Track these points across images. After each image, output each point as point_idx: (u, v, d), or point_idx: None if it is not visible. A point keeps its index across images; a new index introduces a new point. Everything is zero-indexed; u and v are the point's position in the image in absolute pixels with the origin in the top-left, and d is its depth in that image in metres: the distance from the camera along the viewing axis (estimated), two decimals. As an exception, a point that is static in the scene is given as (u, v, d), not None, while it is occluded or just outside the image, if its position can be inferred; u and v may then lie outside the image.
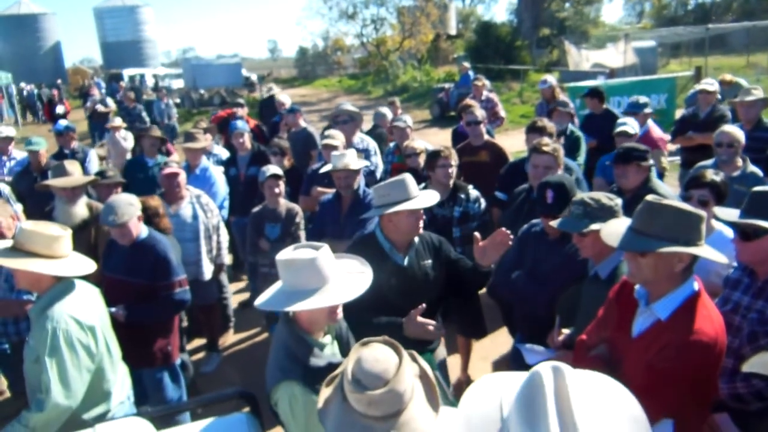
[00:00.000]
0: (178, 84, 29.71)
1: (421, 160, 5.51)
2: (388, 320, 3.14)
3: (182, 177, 5.33)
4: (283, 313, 2.51)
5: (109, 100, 15.44)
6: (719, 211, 2.90)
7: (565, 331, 3.05)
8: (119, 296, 3.99)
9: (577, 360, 2.71)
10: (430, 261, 3.38)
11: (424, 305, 3.12)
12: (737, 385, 2.59)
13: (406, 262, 3.32)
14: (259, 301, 2.45)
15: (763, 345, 2.57)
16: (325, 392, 1.87)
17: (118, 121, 9.59)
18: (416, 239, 3.38)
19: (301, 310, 2.38)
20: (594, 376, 1.54)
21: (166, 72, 34.52)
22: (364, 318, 3.03)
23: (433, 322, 3.14)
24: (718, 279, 3.06)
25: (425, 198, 3.25)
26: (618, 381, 2.32)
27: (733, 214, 2.75)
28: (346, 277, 2.49)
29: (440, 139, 12.77)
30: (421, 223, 3.31)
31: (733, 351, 2.65)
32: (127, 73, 31.25)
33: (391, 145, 6.77)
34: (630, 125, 5.84)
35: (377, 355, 1.76)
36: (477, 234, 3.26)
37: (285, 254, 2.43)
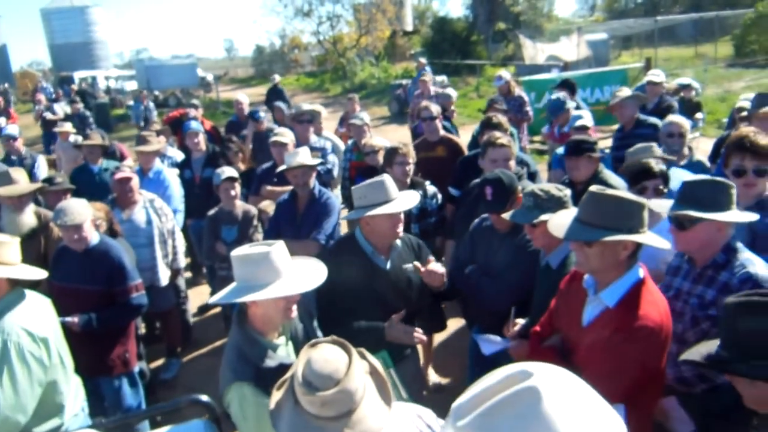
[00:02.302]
0: (132, 86, 29.07)
1: (380, 157, 5.52)
2: (368, 325, 3.08)
3: (135, 181, 5.21)
4: (236, 314, 2.49)
5: (57, 106, 15.01)
6: (654, 203, 2.97)
7: (520, 321, 3.09)
8: (72, 305, 3.90)
9: (532, 351, 2.76)
10: (411, 265, 3.34)
11: (404, 311, 3.11)
12: (682, 368, 2.66)
13: (388, 265, 3.27)
14: (214, 299, 2.48)
15: (704, 329, 2.65)
16: (277, 395, 1.86)
17: (67, 127, 9.32)
18: (398, 242, 3.33)
19: (253, 301, 2.36)
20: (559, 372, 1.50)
21: (118, 74, 33.83)
22: (343, 322, 3.01)
23: (415, 328, 3.10)
24: (665, 266, 3.14)
25: (403, 201, 3.19)
26: (571, 370, 2.39)
27: (665, 205, 2.82)
28: (300, 272, 2.48)
29: (399, 135, 12.81)
30: (401, 227, 3.24)
31: (677, 336, 2.71)
32: (77, 75, 30.51)
33: (349, 142, 6.76)
34: (586, 118, 5.97)
35: (326, 355, 1.76)
36: (417, 264, 3.30)
37: (239, 250, 2.43)
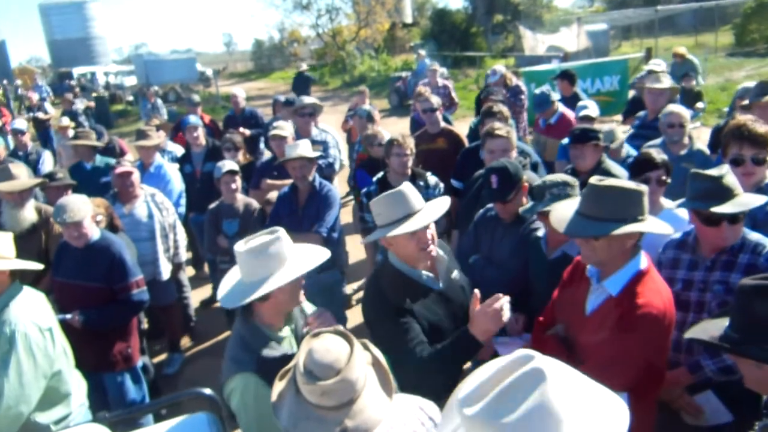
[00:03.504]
0: (131, 81, 29.03)
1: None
2: (452, 341, 2.55)
3: (135, 176, 5.21)
4: (241, 308, 2.44)
5: (48, 105, 14.94)
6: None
7: (519, 316, 3.07)
8: (74, 301, 3.91)
9: (535, 340, 2.75)
10: (456, 271, 2.93)
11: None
12: (724, 357, 2.63)
13: (441, 284, 2.77)
14: (220, 295, 2.40)
15: (726, 309, 2.64)
16: (279, 386, 1.87)
17: (65, 122, 9.30)
18: (440, 252, 2.82)
19: (265, 294, 2.29)
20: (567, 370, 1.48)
21: (117, 69, 33.76)
22: (427, 354, 2.55)
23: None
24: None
25: (427, 213, 2.63)
26: (574, 358, 2.38)
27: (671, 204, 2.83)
28: (303, 254, 2.44)
29: (399, 128, 12.77)
30: (432, 244, 2.67)
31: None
32: (76, 71, 30.45)
33: (338, 138, 6.79)
34: (591, 108, 5.96)
35: (328, 345, 1.76)
36: (477, 292, 2.57)
37: (240, 246, 2.37)
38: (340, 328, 1.87)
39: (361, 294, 6.71)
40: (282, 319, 2.50)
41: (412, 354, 2.51)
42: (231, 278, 2.47)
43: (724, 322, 1.86)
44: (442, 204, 2.71)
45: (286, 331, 2.52)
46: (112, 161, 6.45)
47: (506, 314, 2.45)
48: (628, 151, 4.93)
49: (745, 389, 1.88)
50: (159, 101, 14.07)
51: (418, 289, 2.67)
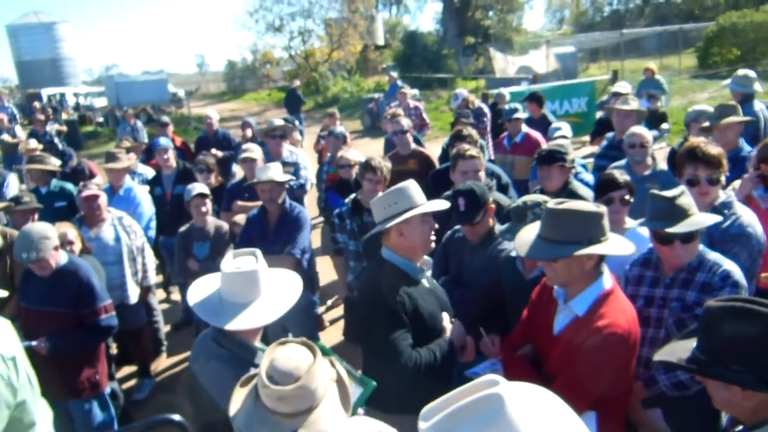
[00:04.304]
0: (101, 102, 28.70)
1: (354, 171, 5.55)
2: (440, 348, 2.79)
3: (102, 199, 5.16)
4: (215, 330, 2.49)
5: (18, 128, 14.62)
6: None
7: (494, 337, 3.09)
8: (40, 327, 3.85)
9: (505, 361, 2.78)
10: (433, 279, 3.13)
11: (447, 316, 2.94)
12: (677, 372, 2.70)
13: (428, 282, 2.97)
14: (194, 301, 2.48)
15: (693, 330, 2.71)
16: (242, 391, 1.91)
17: (32, 144, 9.15)
18: (428, 258, 3.03)
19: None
20: (535, 391, 1.49)
21: (88, 90, 33.34)
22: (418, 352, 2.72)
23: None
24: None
25: (435, 203, 2.86)
26: (543, 378, 2.41)
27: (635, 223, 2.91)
28: (282, 282, 2.57)
29: (372, 149, 12.85)
30: (434, 236, 2.89)
31: (661, 342, 2.76)
32: (45, 92, 30.01)
33: (329, 155, 6.81)
34: (564, 129, 6.09)
35: (291, 354, 1.82)
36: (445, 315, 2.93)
37: (228, 265, 2.46)
38: (307, 340, 1.91)
39: (333, 314, 6.72)
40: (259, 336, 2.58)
41: (403, 357, 2.65)
42: (205, 287, 2.53)
43: (692, 344, 1.88)
44: (443, 202, 2.90)
45: (259, 342, 2.56)
46: (68, 185, 6.39)
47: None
48: (577, 168, 5.04)
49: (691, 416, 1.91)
50: (139, 123, 13.65)
51: (414, 284, 2.82)
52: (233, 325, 2.37)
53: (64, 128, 14.56)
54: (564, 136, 5.84)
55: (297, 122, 14.76)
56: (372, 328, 2.80)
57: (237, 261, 2.50)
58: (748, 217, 3.35)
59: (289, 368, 1.77)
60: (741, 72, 6.28)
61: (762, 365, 1.71)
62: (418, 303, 2.76)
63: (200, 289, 2.53)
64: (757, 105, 6.01)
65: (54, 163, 6.74)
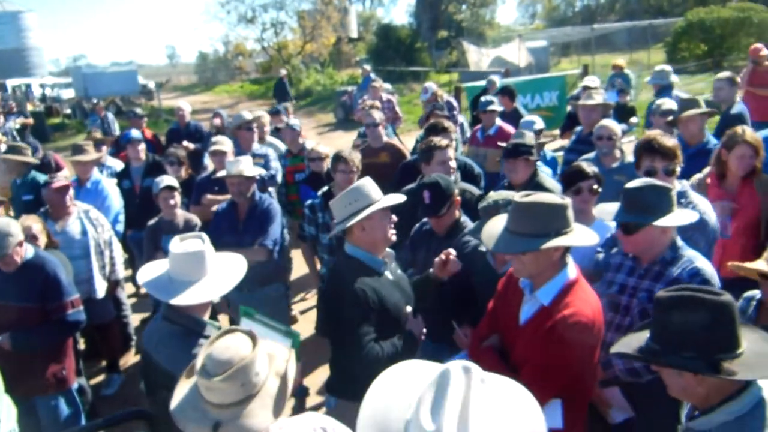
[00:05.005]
0: (69, 94, 28.11)
1: (325, 164, 5.54)
2: (403, 341, 2.90)
3: (70, 192, 5.07)
4: (166, 308, 2.72)
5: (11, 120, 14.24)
6: (601, 209, 3.09)
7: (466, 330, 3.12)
8: (4, 322, 3.76)
9: (472, 352, 2.81)
10: (399, 270, 3.20)
11: (410, 309, 3.03)
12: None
13: (392, 274, 3.05)
14: (144, 280, 2.72)
15: (648, 322, 2.77)
16: (186, 382, 1.92)
17: (-3, 137, 8.96)
18: (390, 251, 3.12)
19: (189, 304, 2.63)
20: (503, 381, 1.56)
21: (54, 81, 32.62)
22: (380, 344, 2.83)
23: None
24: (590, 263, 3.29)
25: (393, 197, 3.01)
26: (509, 368, 2.45)
27: (611, 210, 2.95)
28: (223, 269, 2.78)
29: (345, 142, 12.82)
30: (393, 229, 3.02)
31: (625, 329, 2.84)
32: (10, 83, 29.27)
33: (283, 149, 6.77)
34: (538, 123, 6.15)
35: (229, 343, 1.81)
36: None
37: (176, 246, 2.70)
38: (253, 332, 1.91)
39: (304, 306, 6.72)
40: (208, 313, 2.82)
41: (365, 349, 2.76)
42: (156, 268, 2.77)
43: (646, 335, 1.93)
44: (400, 196, 3.04)
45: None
46: (38, 177, 6.27)
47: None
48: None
49: (645, 390, 1.96)
50: (110, 115, 13.31)
51: (378, 276, 2.93)
52: (181, 300, 2.59)
53: (30, 121, 14.16)
54: (541, 130, 5.90)
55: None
56: (337, 321, 2.91)
57: (184, 243, 2.74)
58: (703, 205, 3.46)
59: (222, 359, 1.76)
60: (658, 67, 7.66)
61: (711, 350, 1.77)
62: (382, 295, 2.85)
63: (151, 270, 2.77)
64: (674, 94, 6.94)
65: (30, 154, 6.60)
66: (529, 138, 5.20)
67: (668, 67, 7.46)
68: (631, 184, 2.87)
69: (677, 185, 3.50)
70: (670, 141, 3.55)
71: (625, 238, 2.90)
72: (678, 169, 3.55)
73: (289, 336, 2.45)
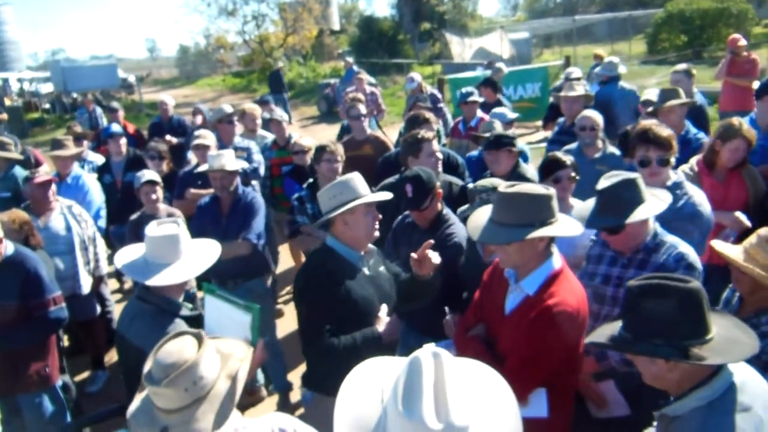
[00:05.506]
0: (48, 88, 27.73)
1: (308, 157, 5.52)
2: (363, 335, 2.82)
3: (53, 186, 5.02)
4: (140, 289, 2.87)
5: None
6: (578, 211, 3.08)
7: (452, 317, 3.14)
8: (-16, 320, 3.70)
9: (457, 341, 2.83)
10: (383, 267, 3.13)
11: (385, 306, 2.96)
12: None
13: (367, 271, 2.98)
14: (122, 263, 2.85)
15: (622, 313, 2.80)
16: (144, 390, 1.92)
17: (-24, 131, 8.83)
18: (373, 246, 3.07)
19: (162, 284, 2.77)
20: (471, 363, 1.62)
21: (33, 75, 32.17)
22: (337, 337, 2.79)
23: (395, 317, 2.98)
24: (583, 251, 3.29)
25: (380, 194, 3.00)
26: (495, 357, 2.48)
27: (586, 208, 2.97)
28: (197, 252, 2.93)
29: (328, 134, 12.79)
30: (377, 226, 2.99)
31: (613, 319, 2.83)
32: (-13, 77, 28.84)
33: (268, 141, 6.73)
34: (508, 113, 6.18)
35: (173, 348, 1.81)
36: (413, 254, 3.00)
37: (152, 230, 2.84)
38: (203, 332, 1.90)
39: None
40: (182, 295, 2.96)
41: (320, 339, 2.78)
42: (132, 252, 2.91)
43: (619, 324, 1.96)
44: (387, 193, 3.05)
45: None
46: (17, 173, 6.19)
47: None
48: None
49: (644, 385, 1.99)
50: (98, 110, 13.02)
51: (353, 270, 2.90)
52: (156, 281, 2.73)
53: (4, 116, 13.86)
54: (512, 121, 5.98)
55: (281, 103, 15.25)
56: (300, 310, 2.97)
57: (160, 227, 2.86)
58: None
59: (166, 363, 1.76)
60: (607, 59, 8.04)
61: (680, 337, 1.80)
62: (351, 288, 2.82)
63: (128, 254, 2.91)
64: (621, 84, 7.30)
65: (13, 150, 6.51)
66: (499, 128, 5.27)
67: (616, 59, 7.71)
68: (602, 183, 2.87)
69: (672, 176, 3.52)
70: (665, 131, 3.54)
71: (612, 238, 2.92)
72: (672, 160, 3.55)
73: (248, 311, 2.54)
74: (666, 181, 3.49)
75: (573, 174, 3.68)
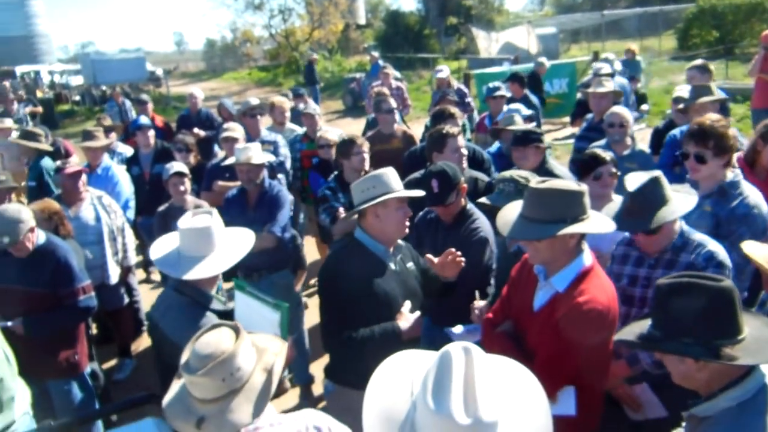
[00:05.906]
0: (78, 81, 28.14)
1: (333, 151, 5.51)
2: (382, 328, 2.81)
3: (84, 177, 5.10)
4: (176, 282, 2.83)
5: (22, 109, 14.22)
6: (608, 206, 3.02)
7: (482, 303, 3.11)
8: (16, 307, 3.77)
9: (485, 337, 2.81)
10: (412, 264, 3.12)
11: (408, 303, 2.94)
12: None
13: (394, 266, 2.99)
14: (156, 257, 2.84)
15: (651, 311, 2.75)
16: (180, 379, 1.93)
17: (8, 123, 8.96)
18: (402, 242, 3.09)
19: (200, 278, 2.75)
20: (501, 359, 1.61)
21: (63, 68, 32.66)
22: (356, 329, 2.79)
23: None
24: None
25: (413, 191, 3.02)
26: (523, 354, 2.45)
27: (615, 207, 2.92)
28: (231, 243, 2.89)
29: (353, 129, 12.79)
30: (408, 222, 2.98)
31: (643, 318, 2.79)
32: (19, 70, 29.33)
33: (299, 132, 6.74)
34: (522, 109, 6.10)
35: (211, 339, 1.83)
36: (429, 255, 3.10)
37: (185, 222, 2.83)
38: (240, 325, 1.91)
39: (314, 292, 6.72)
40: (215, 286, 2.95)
41: (338, 331, 2.81)
42: (166, 245, 2.89)
43: (648, 322, 1.93)
44: (420, 191, 3.06)
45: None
46: (45, 164, 6.28)
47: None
48: None
49: (678, 387, 1.96)
50: (128, 103, 13.14)
51: (378, 264, 2.90)
52: (190, 276, 2.70)
53: (39, 109, 14.10)
54: (529, 116, 5.94)
55: (313, 94, 15.31)
56: (322, 301, 3.00)
57: (194, 219, 2.85)
58: (754, 197, 3.32)
59: (203, 354, 1.78)
60: (603, 55, 8.45)
61: (711, 336, 1.76)
62: (375, 283, 2.83)
63: (161, 247, 2.89)
64: (618, 80, 7.49)
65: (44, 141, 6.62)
66: (520, 122, 5.22)
67: (612, 55, 8.11)
68: (632, 184, 2.81)
69: (729, 175, 3.36)
70: (729, 130, 3.37)
71: (647, 239, 2.86)
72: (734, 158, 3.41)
73: (277, 309, 2.53)
74: (723, 179, 3.35)
75: (613, 170, 3.63)
